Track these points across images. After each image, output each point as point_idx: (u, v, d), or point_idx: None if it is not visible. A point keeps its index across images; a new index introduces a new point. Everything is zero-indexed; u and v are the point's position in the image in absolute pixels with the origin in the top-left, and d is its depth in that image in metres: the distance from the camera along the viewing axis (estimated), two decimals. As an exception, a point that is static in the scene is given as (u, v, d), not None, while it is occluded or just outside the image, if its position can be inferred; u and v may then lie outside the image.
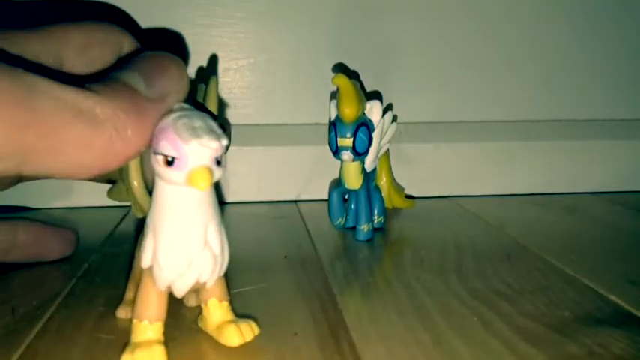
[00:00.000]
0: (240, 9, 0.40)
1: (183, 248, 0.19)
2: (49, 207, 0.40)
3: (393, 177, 0.39)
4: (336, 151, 0.33)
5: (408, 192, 0.43)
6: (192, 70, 0.40)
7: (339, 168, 0.34)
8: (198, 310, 0.22)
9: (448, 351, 0.21)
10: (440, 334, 0.22)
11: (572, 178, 0.46)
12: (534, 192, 0.45)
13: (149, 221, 0.20)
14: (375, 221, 0.35)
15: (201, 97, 0.23)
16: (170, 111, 0.19)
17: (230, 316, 0.21)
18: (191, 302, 0.24)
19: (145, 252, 0.19)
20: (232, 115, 0.41)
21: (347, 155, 0.32)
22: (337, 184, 0.35)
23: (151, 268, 0.20)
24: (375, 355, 0.20)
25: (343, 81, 0.31)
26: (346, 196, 0.36)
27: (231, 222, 0.38)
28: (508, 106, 0.45)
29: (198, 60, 0.40)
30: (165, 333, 0.21)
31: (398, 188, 0.40)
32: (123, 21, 0.38)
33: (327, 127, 0.34)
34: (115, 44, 0.23)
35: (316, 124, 0.42)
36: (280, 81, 0.42)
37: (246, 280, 0.27)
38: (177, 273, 0.19)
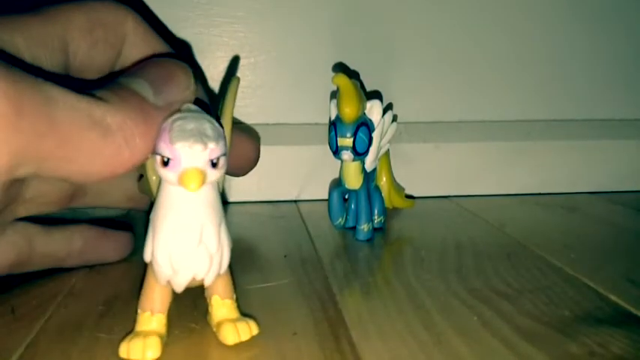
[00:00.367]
0: (240, 8, 0.40)
1: (176, 245, 0.19)
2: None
3: (393, 177, 0.39)
4: (336, 151, 0.33)
5: (408, 192, 0.43)
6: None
7: (339, 168, 0.34)
8: (205, 307, 0.22)
9: (448, 350, 0.21)
10: (440, 334, 0.22)
11: (572, 177, 0.46)
12: (534, 191, 0.45)
13: (150, 217, 0.20)
14: (375, 221, 0.35)
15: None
16: (175, 111, 0.20)
17: (233, 314, 0.21)
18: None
19: (146, 247, 0.20)
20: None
21: (347, 155, 0.32)
22: (337, 183, 0.35)
23: (151, 263, 0.20)
24: (374, 354, 0.20)
25: (343, 80, 0.31)
26: (346, 196, 0.36)
27: (232, 221, 0.38)
28: (508, 105, 0.45)
29: (197, 59, 0.40)
30: (168, 331, 0.21)
31: (398, 188, 0.40)
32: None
33: (327, 127, 0.34)
34: (119, 24, 0.23)
35: (316, 123, 0.42)
36: (280, 80, 0.42)
37: (246, 280, 0.27)
38: (171, 269, 0.20)
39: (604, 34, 0.45)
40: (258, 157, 0.30)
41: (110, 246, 0.29)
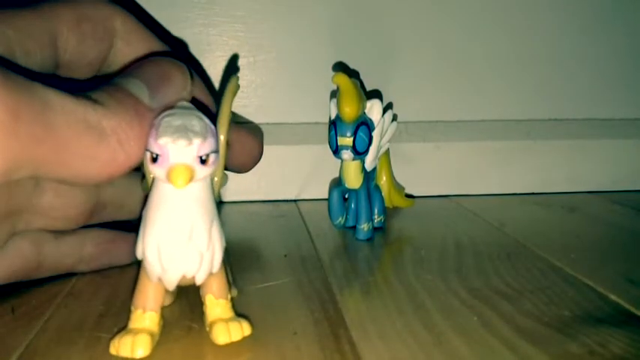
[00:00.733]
0: (240, 8, 0.40)
1: (165, 242, 0.19)
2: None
3: (393, 176, 0.39)
4: (336, 150, 0.33)
5: (408, 191, 0.43)
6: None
7: (339, 167, 0.34)
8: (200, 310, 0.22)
9: (448, 350, 0.21)
10: (440, 333, 0.22)
11: (572, 177, 0.46)
12: (534, 191, 0.45)
13: (142, 214, 0.20)
14: (375, 220, 0.35)
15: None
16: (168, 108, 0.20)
17: (227, 314, 0.21)
18: (165, 302, 0.23)
19: (137, 244, 0.20)
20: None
21: (347, 154, 0.32)
22: (337, 183, 0.35)
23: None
24: (374, 354, 0.20)
25: (343, 80, 0.31)
26: (346, 195, 0.36)
27: (231, 221, 0.38)
28: (508, 105, 0.45)
29: (197, 59, 0.40)
30: (166, 330, 0.21)
31: (398, 187, 0.40)
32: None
33: (327, 126, 0.34)
34: (107, 19, 0.24)
35: (316, 123, 0.42)
36: (280, 80, 0.42)
37: (246, 280, 0.27)
38: (160, 267, 0.20)
39: (604, 34, 0.45)
40: (261, 154, 0.30)
41: (121, 249, 0.28)
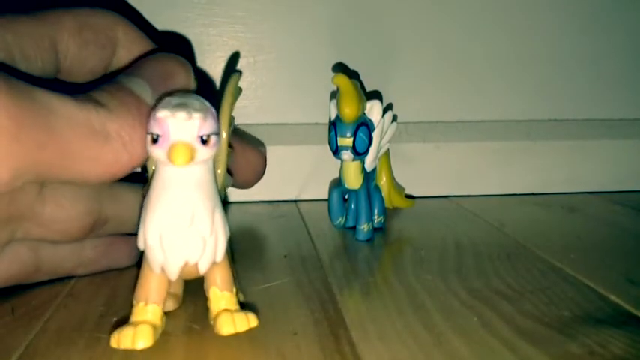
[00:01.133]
0: (240, 8, 0.40)
1: (167, 226, 0.19)
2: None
3: (393, 177, 0.39)
4: (336, 151, 0.33)
5: (408, 192, 0.43)
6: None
7: (339, 168, 0.34)
8: (206, 307, 0.22)
9: (448, 350, 0.21)
10: (440, 334, 0.22)
11: (572, 177, 0.46)
12: (534, 191, 0.45)
13: (144, 202, 0.20)
14: (375, 221, 0.35)
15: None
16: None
17: (232, 306, 0.21)
18: (167, 307, 0.23)
19: (139, 234, 0.20)
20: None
21: (347, 155, 0.32)
22: (337, 183, 0.35)
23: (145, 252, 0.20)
24: (374, 354, 0.20)
25: (343, 80, 0.31)
26: (346, 196, 0.36)
27: (232, 221, 0.37)
28: (508, 105, 0.45)
29: (197, 59, 0.40)
30: (166, 331, 0.21)
31: (398, 188, 0.40)
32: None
33: (327, 127, 0.34)
34: (109, 28, 0.24)
35: (316, 123, 0.42)
36: (280, 80, 0.42)
37: (247, 280, 0.27)
38: (162, 251, 0.19)
39: (604, 34, 0.45)
40: (264, 169, 0.30)
41: (121, 252, 0.27)
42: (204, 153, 0.19)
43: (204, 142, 0.18)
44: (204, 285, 0.21)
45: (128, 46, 0.24)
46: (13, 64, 0.20)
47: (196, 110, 0.18)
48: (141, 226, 0.20)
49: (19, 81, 0.17)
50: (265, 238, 0.34)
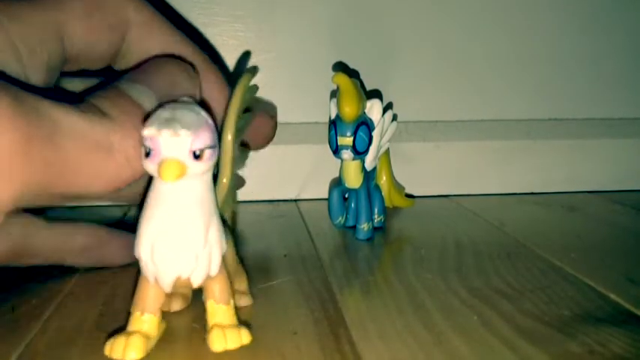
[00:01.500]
0: (240, 7, 0.40)
1: (158, 240, 0.19)
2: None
3: (393, 176, 0.39)
4: (336, 150, 0.33)
5: (408, 191, 0.43)
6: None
7: (339, 167, 0.34)
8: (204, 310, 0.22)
9: (448, 349, 0.21)
10: (440, 333, 0.22)
11: (572, 176, 0.46)
12: (534, 191, 0.45)
13: (140, 213, 0.20)
14: (375, 220, 0.35)
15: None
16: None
17: (226, 320, 0.20)
18: (174, 307, 0.24)
19: (135, 243, 0.19)
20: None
21: (347, 154, 0.32)
22: (337, 182, 0.35)
23: None
24: (374, 354, 0.20)
25: (343, 79, 0.31)
26: (346, 195, 0.36)
27: (231, 221, 0.37)
28: (508, 105, 0.45)
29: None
30: (167, 332, 0.21)
31: (398, 187, 0.40)
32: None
33: (327, 126, 0.34)
34: (119, 8, 0.22)
35: (316, 122, 0.42)
36: (280, 79, 0.41)
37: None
38: (153, 266, 0.19)
39: (604, 34, 0.45)
40: (274, 132, 0.29)
41: (116, 248, 0.27)
42: (197, 168, 0.18)
43: (196, 156, 0.18)
44: (203, 297, 0.21)
45: (141, 27, 0.23)
46: (18, 61, 0.19)
47: (186, 126, 0.17)
48: (136, 236, 0.19)
49: (24, 93, 0.16)
50: (265, 238, 0.34)
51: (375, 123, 0.33)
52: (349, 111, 0.31)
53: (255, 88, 0.24)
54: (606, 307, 0.24)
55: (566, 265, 0.29)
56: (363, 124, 0.32)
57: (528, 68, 0.44)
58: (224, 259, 0.21)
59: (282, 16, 0.41)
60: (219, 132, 0.21)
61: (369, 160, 0.34)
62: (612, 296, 0.25)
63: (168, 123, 0.17)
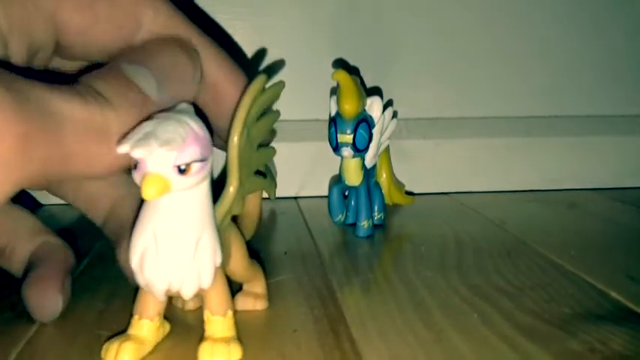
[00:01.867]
0: (240, 4, 0.40)
1: (147, 252, 0.19)
2: (47, 203, 0.40)
3: (393, 173, 0.38)
4: (336, 147, 0.33)
5: (408, 188, 0.43)
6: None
7: (339, 164, 0.34)
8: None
9: (448, 347, 0.21)
10: (440, 331, 0.22)
11: (572, 174, 0.46)
12: (535, 188, 0.45)
13: (134, 223, 0.19)
14: (375, 217, 0.35)
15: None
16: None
17: (219, 333, 0.20)
18: (188, 306, 0.24)
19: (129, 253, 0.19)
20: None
21: (347, 151, 0.32)
22: (337, 180, 0.35)
23: None
24: (374, 351, 0.20)
25: (343, 77, 0.31)
26: (346, 193, 0.36)
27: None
28: (508, 102, 0.45)
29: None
30: (172, 327, 0.21)
31: (398, 184, 0.40)
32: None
33: (327, 123, 0.34)
34: (133, 3, 0.21)
35: (316, 120, 0.42)
36: (280, 78, 0.41)
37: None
38: (143, 277, 0.19)
39: (604, 32, 0.44)
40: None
41: (43, 292, 0.23)
42: (183, 183, 0.17)
43: (182, 171, 0.17)
44: (202, 306, 0.21)
45: (155, 31, 0.21)
46: (3, 39, 0.18)
47: (163, 143, 0.16)
48: (129, 246, 0.19)
49: (20, 80, 0.16)
50: (265, 235, 0.34)
51: (375, 120, 0.33)
52: (349, 108, 0.31)
53: (282, 84, 0.22)
54: (606, 305, 0.24)
55: (566, 262, 0.29)
56: (363, 121, 0.32)
57: (528, 66, 0.44)
58: (230, 267, 0.21)
59: (283, 13, 0.40)
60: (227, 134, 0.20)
61: (369, 158, 0.34)
62: (612, 294, 0.25)
63: (144, 139, 0.17)
